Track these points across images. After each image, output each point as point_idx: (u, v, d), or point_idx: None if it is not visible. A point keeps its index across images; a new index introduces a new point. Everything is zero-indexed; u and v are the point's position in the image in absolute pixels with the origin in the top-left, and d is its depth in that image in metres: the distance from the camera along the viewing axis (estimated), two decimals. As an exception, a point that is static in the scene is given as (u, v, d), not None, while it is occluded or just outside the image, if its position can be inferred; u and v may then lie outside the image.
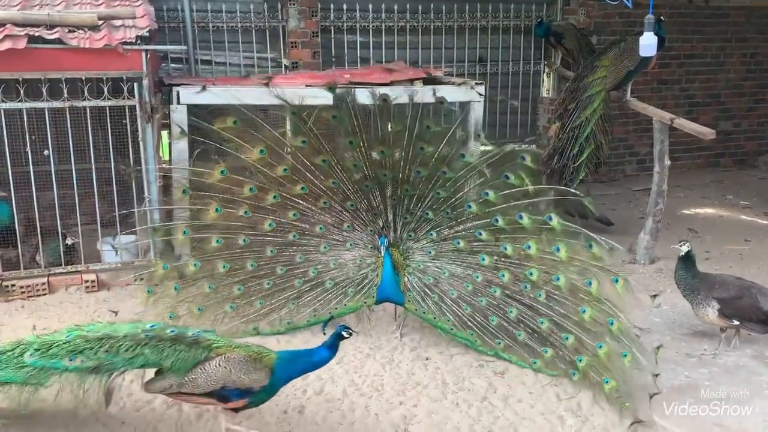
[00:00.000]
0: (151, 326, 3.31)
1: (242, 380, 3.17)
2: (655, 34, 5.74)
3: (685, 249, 4.41)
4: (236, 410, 3.34)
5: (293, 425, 3.56)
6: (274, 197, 4.50)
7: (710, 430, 3.58)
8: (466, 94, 6.14)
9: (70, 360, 3.21)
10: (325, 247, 4.57)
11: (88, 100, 5.10)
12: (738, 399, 3.90)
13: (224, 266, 4.47)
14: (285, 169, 4.48)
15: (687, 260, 4.43)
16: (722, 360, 4.34)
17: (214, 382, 3.17)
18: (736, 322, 4.32)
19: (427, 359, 4.30)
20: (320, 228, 4.59)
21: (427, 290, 4.42)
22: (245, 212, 4.50)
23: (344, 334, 3.24)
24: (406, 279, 4.45)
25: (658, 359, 3.98)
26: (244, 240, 4.50)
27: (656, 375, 3.87)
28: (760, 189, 8.66)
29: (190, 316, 4.43)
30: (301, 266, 4.56)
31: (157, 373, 3.30)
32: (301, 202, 4.55)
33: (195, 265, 4.52)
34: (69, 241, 5.34)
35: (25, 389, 3.29)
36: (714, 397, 3.92)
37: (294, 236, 4.56)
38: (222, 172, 4.50)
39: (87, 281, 5.29)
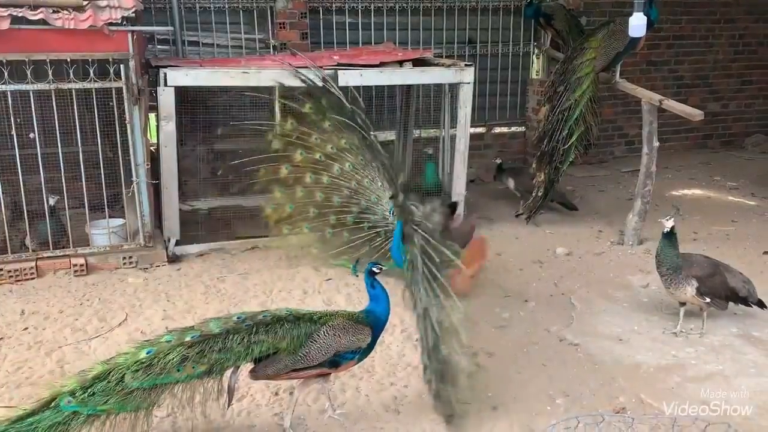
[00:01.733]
0: (239, 317, 3.30)
1: (352, 342, 3.33)
2: (646, 14, 5.75)
3: (669, 224, 4.40)
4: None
5: (285, 407, 3.57)
6: (331, 147, 5.01)
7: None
8: (456, 75, 6.13)
9: (178, 370, 3.08)
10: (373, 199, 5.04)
11: (74, 82, 5.05)
12: (724, 377, 3.96)
13: (320, 196, 5.11)
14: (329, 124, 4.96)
15: (671, 237, 4.44)
16: (708, 339, 4.40)
17: (326, 351, 3.27)
18: (707, 300, 4.37)
19: (417, 340, 4.31)
20: (366, 181, 5.05)
21: None
22: (319, 156, 5.01)
23: (375, 269, 3.40)
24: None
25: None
26: (327, 179, 5.09)
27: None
28: (747, 170, 8.73)
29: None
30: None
31: (257, 360, 3.25)
32: (347, 155, 5.03)
33: (290, 207, 5.15)
34: (51, 201, 5.26)
35: (139, 415, 3.06)
36: (700, 375, 3.98)
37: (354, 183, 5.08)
38: (291, 123, 5.09)
39: (75, 265, 5.27)
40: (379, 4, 7.61)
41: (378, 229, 5.07)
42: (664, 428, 3.31)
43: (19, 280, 5.13)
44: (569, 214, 6.96)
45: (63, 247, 5.36)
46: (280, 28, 7.13)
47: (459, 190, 6.48)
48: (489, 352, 4.22)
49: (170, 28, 6.59)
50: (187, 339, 3.15)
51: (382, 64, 5.98)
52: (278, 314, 3.33)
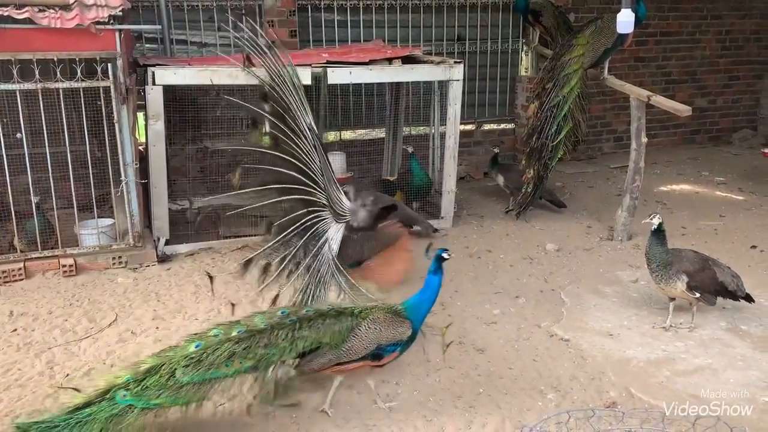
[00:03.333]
0: (283, 311, 3.40)
1: (394, 335, 3.40)
2: (634, 11, 5.78)
3: (656, 221, 4.43)
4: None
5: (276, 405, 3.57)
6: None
7: (686, 401, 3.65)
8: (445, 73, 6.14)
9: (227, 366, 3.14)
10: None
11: (61, 81, 5.01)
12: (712, 370, 3.99)
13: None
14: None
15: (659, 234, 4.46)
16: (697, 333, 4.43)
17: (369, 344, 3.36)
18: (697, 294, 4.40)
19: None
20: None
21: None
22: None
23: (444, 255, 3.49)
24: None
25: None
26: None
27: None
28: (735, 165, 8.80)
29: None
30: None
31: (302, 355, 3.32)
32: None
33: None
34: (35, 200, 5.23)
35: (188, 409, 3.12)
36: (689, 369, 4.01)
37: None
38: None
39: (64, 265, 5.23)
40: (368, 2, 7.60)
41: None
42: (654, 422, 3.33)
43: (7, 282, 5.09)
44: (559, 211, 6.99)
45: (52, 248, 5.32)
46: (269, 26, 7.11)
47: (449, 187, 6.50)
48: (480, 348, 4.24)
49: (158, 26, 6.56)
50: (234, 334, 3.23)
51: (371, 62, 5.98)
52: (321, 310, 3.44)
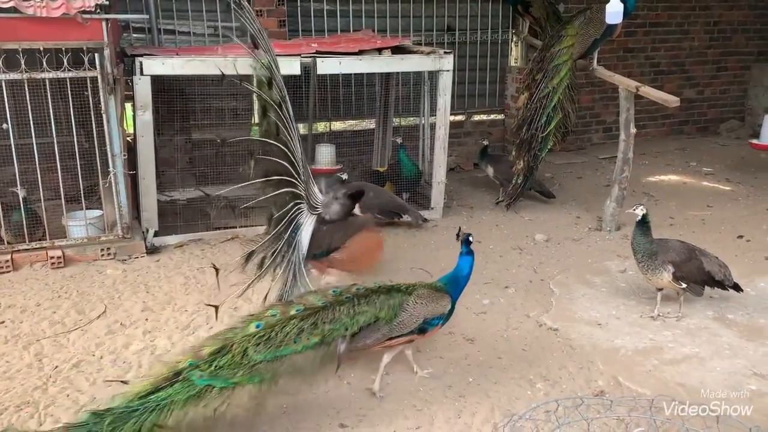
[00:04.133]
0: (334, 290, 3.51)
1: (437, 309, 3.59)
2: (623, 2, 5.79)
3: (640, 212, 4.44)
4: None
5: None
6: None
7: (673, 389, 3.69)
8: (435, 63, 6.13)
9: (295, 342, 3.22)
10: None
11: (48, 71, 4.96)
12: (699, 359, 4.03)
13: None
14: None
15: (644, 225, 4.48)
16: (684, 322, 4.47)
17: (417, 318, 3.52)
18: (684, 285, 4.44)
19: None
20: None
21: None
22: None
23: (470, 239, 3.73)
24: None
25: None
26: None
27: None
28: (722, 156, 8.86)
29: None
30: None
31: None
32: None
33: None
34: (22, 194, 5.20)
35: (263, 387, 3.18)
36: (677, 358, 4.05)
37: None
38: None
39: (52, 257, 5.20)
40: (358, -8, 7.57)
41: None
42: (642, 410, 3.37)
43: (-6, 274, 5.06)
44: (548, 201, 7.02)
45: (39, 240, 5.29)
46: (258, 15, 7.06)
47: (439, 178, 6.51)
48: (469, 338, 4.26)
49: (145, 16, 6.51)
50: (293, 312, 3.32)
51: (361, 52, 5.96)
52: (369, 287, 3.57)
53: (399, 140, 6.78)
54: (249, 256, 4.34)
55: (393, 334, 3.51)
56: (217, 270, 4.42)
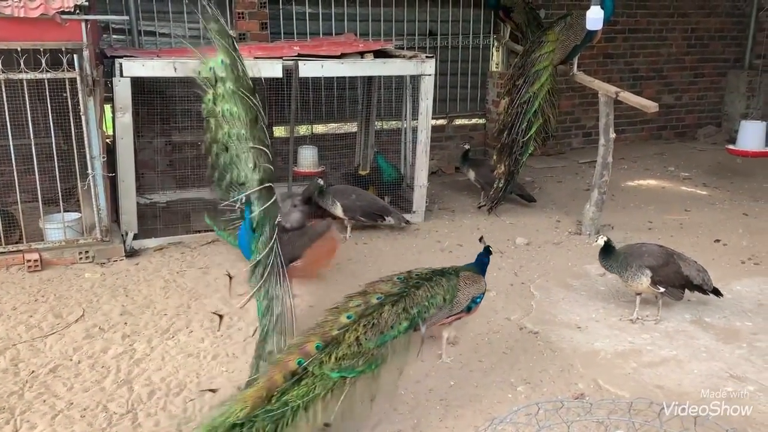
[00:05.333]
0: (399, 277, 3.66)
1: (479, 288, 3.93)
2: (602, 7, 5.84)
3: (601, 241, 4.56)
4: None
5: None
6: (227, 108, 4.62)
7: (652, 391, 3.73)
8: (417, 67, 6.15)
9: (392, 328, 3.35)
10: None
11: (25, 72, 4.89)
12: (677, 362, 4.08)
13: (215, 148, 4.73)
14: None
15: (607, 249, 4.57)
16: (663, 325, 4.52)
17: (467, 297, 3.84)
18: (662, 289, 4.49)
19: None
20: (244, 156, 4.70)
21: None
22: (219, 110, 4.58)
23: (490, 249, 4.14)
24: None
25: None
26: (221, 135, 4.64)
27: None
28: (700, 161, 8.98)
29: None
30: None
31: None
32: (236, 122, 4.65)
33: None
34: None
35: (379, 374, 3.25)
36: (655, 360, 4.10)
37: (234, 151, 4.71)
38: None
39: (29, 260, 5.13)
40: (340, -5, 7.57)
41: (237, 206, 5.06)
42: (621, 412, 3.40)
43: (-31, 277, 4.97)
44: (529, 205, 7.07)
45: (16, 243, 5.21)
46: (239, 18, 7.04)
47: (421, 182, 6.52)
48: (450, 341, 4.27)
49: (125, 17, 6.46)
50: (374, 301, 3.43)
51: (343, 56, 5.96)
52: (424, 271, 3.78)
53: (375, 148, 6.80)
54: (255, 267, 4.16)
55: (452, 313, 3.80)
56: (230, 277, 4.41)
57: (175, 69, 5.32)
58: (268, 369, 3.15)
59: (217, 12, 4.44)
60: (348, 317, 3.31)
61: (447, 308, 3.72)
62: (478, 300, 3.96)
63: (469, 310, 3.91)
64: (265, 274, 4.02)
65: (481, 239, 4.17)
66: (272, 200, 4.31)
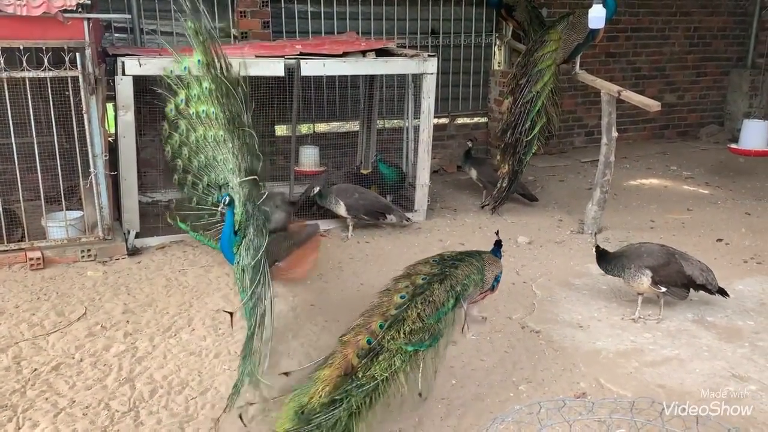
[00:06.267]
0: (435, 259, 3.96)
1: (499, 268, 4.24)
2: (604, 6, 5.83)
3: (594, 249, 4.66)
4: None
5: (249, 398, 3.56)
6: (202, 110, 4.97)
7: (654, 391, 3.73)
8: (419, 66, 6.14)
9: (443, 305, 3.60)
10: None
11: (28, 70, 4.90)
12: (679, 361, 4.08)
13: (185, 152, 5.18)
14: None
15: (601, 256, 4.62)
16: (665, 324, 4.52)
17: (492, 277, 4.12)
18: (663, 289, 4.48)
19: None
20: (220, 158, 4.97)
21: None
22: (193, 112, 5.03)
23: (501, 243, 4.47)
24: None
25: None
26: (193, 138, 5.08)
27: None
28: (702, 160, 8.97)
29: None
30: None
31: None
32: (212, 123, 4.93)
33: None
34: None
35: (436, 349, 3.46)
36: (657, 359, 4.09)
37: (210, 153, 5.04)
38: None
39: (31, 259, 5.13)
40: (342, -6, 7.56)
41: (218, 209, 5.07)
42: (623, 411, 3.39)
43: (-28, 275, 4.98)
44: (531, 204, 7.07)
45: (18, 241, 5.22)
46: (241, 16, 7.03)
47: (423, 181, 6.52)
48: (453, 340, 4.26)
49: (128, 15, 6.46)
50: (420, 281, 3.69)
51: (345, 54, 5.96)
52: (454, 254, 4.08)
53: (376, 154, 6.79)
54: (243, 270, 4.25)
55: (483, 290, 4.08)
56: (231, 315, 4.23)
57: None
58: (338, 349, 3.30)
59: (204, 10, 4.48)
60: (401, 297, 3.55)
61: (479, 286, 3.99)
62: (498, 279, 4.23)
63: (492, 288, 4.18)
64: (256, 278, 4.01)
65: (497, 233, 4.59)
66: (258, 202, 4.31)
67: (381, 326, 3.33)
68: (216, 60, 4.83)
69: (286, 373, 3.54)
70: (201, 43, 4.79)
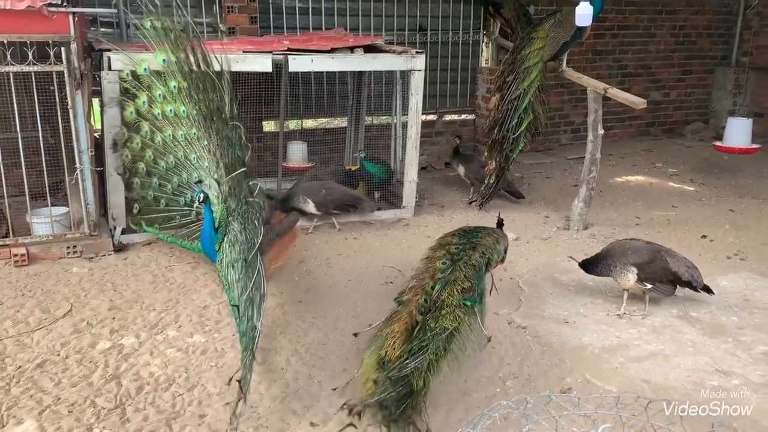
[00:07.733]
0: (460, 232, 4.39)
1: (507, 242, 4.57)
2: (591, 4, 5.86)
3: (578, 265, 4.78)
4: None
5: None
6: (170, 109, 5.00)
7: (639, 386, 3.77)
8: (407, 62, 6.15)
9: (480, 270, 4.01)
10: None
11: (12, 65, 4.85)
12: (664, 356, 4.12)
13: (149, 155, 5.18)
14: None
15: (586, 266, 4.74)
16: (650, 320, 4.56)
17: (503, 248, 4.43)
18: (649, 286, 4.52)
19: (369, 326, 4.34)
20: (194, 157, 4.97)
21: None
22: (158, 112, 5.06)
23: (503, 222, 4.84)
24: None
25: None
26: (159, 139, 5.10)
27: None
28: (687, 157, 9.05)
29: None
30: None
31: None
32: (183, 122, 4.96)
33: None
34: None
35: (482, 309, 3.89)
36: (642, 355, 4.13)
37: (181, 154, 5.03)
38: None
39: (16, 255, 5.09)
40: (330, -10, 7.55)
41: (191, 209, 5.08)
42: (608, 406, 3.42)
43: (-45, 272, 4.93)
44: (518, 201, 7.10)
45: (3, 237, 5.17)
46: (229, 11, 7.00)
47: (411, 177, 6.53)
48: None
49: (114, 10, 6.40)
50: (453, 250, 4.08)
51: (333, 50, 5.95)
52: (474, 227, 4.52)
53: (362, 154, 6.76)
54: (233, 266, 4.24)
55: (496, 259, 4.33)
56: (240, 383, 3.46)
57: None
58: (399, 309, 3.70)
59: (178, 3, 4.46)
60: (443, 263, 3.93)
61: (498, 254, 4.32)
62: (507, 250, 4.55)
63: (503, 259, 4.49)
64: (252, 275, 3.94)
65: (499, 215, 4.95)
66: (249, 198, 4.28)
67: (432, 288, 3.74)
68: (191, 56, 4.80)
69: (355, 334, 4.12)
70: (170, 41, 4.76)
